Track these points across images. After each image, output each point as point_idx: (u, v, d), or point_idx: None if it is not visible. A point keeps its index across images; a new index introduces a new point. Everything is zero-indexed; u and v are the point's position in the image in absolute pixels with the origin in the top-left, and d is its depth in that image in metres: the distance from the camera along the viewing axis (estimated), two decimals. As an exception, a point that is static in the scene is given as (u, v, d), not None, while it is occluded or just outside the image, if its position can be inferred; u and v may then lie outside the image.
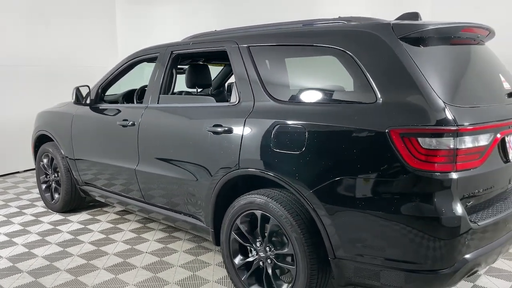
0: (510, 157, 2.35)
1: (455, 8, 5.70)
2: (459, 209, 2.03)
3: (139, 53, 3.73)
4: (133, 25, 8.07)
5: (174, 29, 7.09)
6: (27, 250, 3.60)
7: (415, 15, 2.60)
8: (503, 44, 4.85)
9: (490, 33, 2.64)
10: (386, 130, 2.05)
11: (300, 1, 6.77)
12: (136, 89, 4.29)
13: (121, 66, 3.86)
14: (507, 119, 2.28)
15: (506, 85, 2.48)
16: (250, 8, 6.94)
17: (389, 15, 2.84)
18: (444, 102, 2.03)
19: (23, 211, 4.67)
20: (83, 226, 4.15)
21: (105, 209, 4.68)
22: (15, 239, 3.84)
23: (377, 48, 2.23)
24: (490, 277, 3.03)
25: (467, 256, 2.07)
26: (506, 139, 2.35)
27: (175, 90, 4.01)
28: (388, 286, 2.19)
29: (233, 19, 6.66)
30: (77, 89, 4.07)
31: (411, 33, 2.20)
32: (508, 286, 2.90)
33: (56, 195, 4.55)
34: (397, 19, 2.63)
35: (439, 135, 1.99)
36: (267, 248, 2.56)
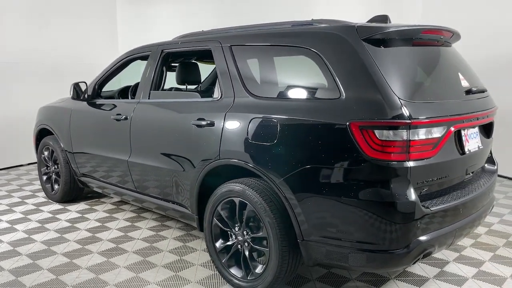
0: (466, 149, 2.55)
1: (444, 9, 5.86)
2: (412, 195, 2.23)
3: (133, 52, 3.95)
4: (133, 24, 8.27)
5: (174, 28, 7.23)
6: (27, 236, 3.84)
7: (384, 18, 2.80)
8: (493, 42, 5.03)
9: (454, 34, 2.83)
10: (347, 123, 2.26)
11: (299, 1, 6.95)
12: (131, 85, 4.51)
13: (116, 64, 4.08)
14: (461, 114, 2.47)
15: (465, 83, 2.67)
16: (250, 8, 7.11)
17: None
18: (399, 98, 2.22)
19: (25, 200, 4.92)
20: (81, 215, 4.38)
21: (102, 199, 4.91)
22: (16, 226, 4.08)
23: (341, 48, 2.43)
24: (458, 263, 3.22)
25: (420, 238, 2.27)
26: (463, 132, 2.55)
27: (166, 87, 4.21)
28: (351, 266, 2.40)
29: (232, 19, 6.82)
30: (76, 85, 4.27)
31: (373, 34, 2.38)
32: (474, 273, 3.09)
33: (56, 186, 4.79)
34: (368, 21, 2.83)
35: (394, 127, 2.19)
36: (244, 232, 2.78)
